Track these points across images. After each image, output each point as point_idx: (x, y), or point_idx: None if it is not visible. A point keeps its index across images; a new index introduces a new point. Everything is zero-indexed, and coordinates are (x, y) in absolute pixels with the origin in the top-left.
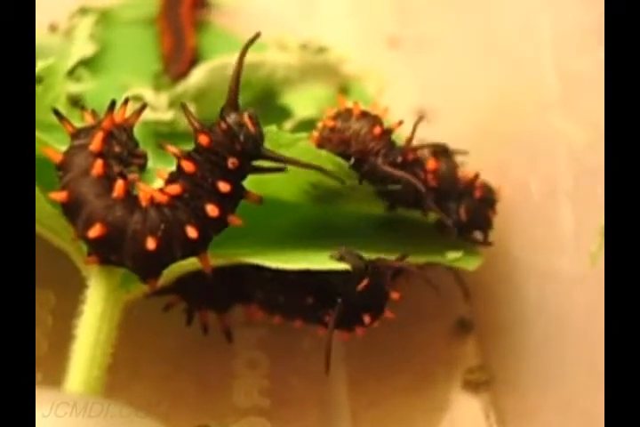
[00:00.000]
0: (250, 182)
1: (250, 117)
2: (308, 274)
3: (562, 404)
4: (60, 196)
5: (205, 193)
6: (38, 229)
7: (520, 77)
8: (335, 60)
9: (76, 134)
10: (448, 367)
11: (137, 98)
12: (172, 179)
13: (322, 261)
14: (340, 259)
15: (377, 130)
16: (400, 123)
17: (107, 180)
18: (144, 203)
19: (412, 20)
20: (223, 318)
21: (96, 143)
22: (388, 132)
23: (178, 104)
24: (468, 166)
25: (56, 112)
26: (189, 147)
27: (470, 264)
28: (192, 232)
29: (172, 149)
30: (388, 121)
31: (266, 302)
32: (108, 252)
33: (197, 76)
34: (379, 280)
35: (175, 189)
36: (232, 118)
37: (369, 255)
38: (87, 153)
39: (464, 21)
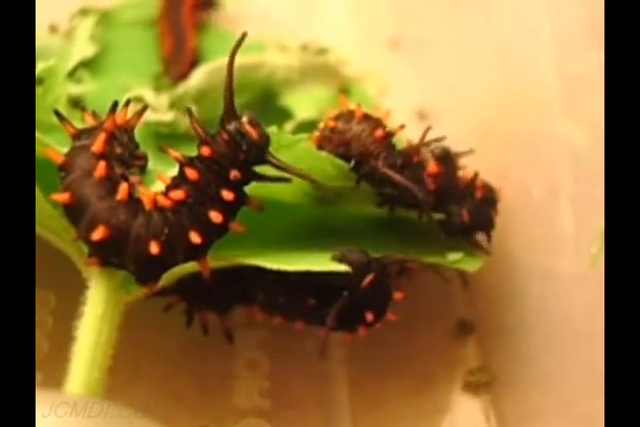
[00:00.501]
0: (251, 184)
1: (250, 123)
2: (308, 275)
3: (562, 406)
4: (62, 197)
5: (209, 200)
6: (39, 230)
7: (521, 78)
8: (335, 62)
9: (78, 135)
10: (449, 369)
11: (137, 99)
12: (175, 184)
13: (322, 263)
14: (342, 258)
15: (378, 133)
16: (402, 126)
17: (109, 181)
18: (147, 206)
19: (412, 21)
20: (224, 318)
21: (98, 144)
22: (389, 136)
23: (178, 105)
24: (469, 167)
25: (57, 113)
26: (190, 148)
27: (470, 265)
28: (195, 237)
29: (174, 154)
30: (389, 123)
31: (267, 303)
32: (110, 254)
33: (198, 77)
34: (383, 277)
35: (179, 194)
36: (232, 127)
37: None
38: (89, 154)
39: (464, 23)
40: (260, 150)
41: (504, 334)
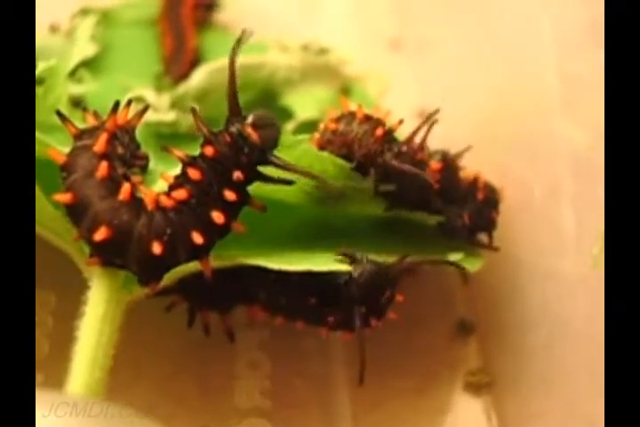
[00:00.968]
0: (253, 184)
1: (254, 125)
2: (310, 275)
3: (564, 407)
4: (64, 197)
5: (211, 200)
6: (40, 230)
7: (521, 79)
8: (336, 62)
9: (79, 135)
10: (450, 369)
11: (138, 99)
12: (177, 184)
13: (324, 263)
14: (353, 261)
15: (379, 131)
16: (400, 122)
17: (111, 182)
18: (149, 206)
19: (413, 21)
20: (225, 318)
21: (100, 144)
22: (389, 133)
23: (179, 105)
24: (469, 168)
25: (59, 113)
26: (191, 148)
27: (471, 265)
28: (198, 238)
29: (177, 153)
30: (390, 123)
31: (268, 303)
32: (112, 255)
33: (198, 77)
34: (383, 279)
35: (182, 194)
36: (235, 130)
37: (372, 257)
38: (91, 154)
39: (465, 23)
40: (261, 153)
41: (505, 335)
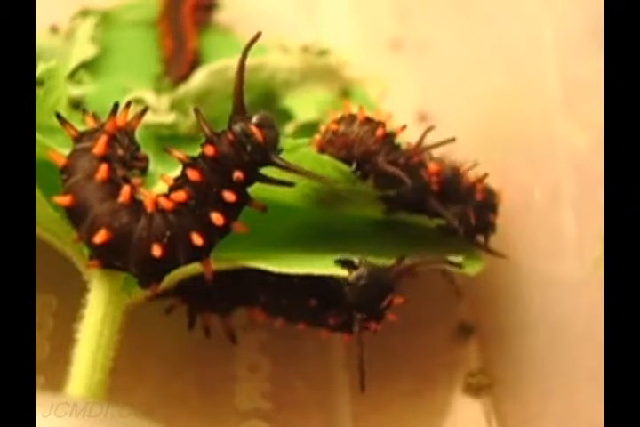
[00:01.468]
0: (252, 186)
1: (258, 124)
2: (310, 277)
3: (564, 409)
4: (64, 200)
5: (211, 201)
6: (40, 232)
7: (522, 81)
8: (336, 64)
9: (79, 138)
10: (449, 371)
11: (138, 100)
12: (176, 185)
13: (324, 266)
14: (351, 267)
15: (379, 132)
16: (403, 127)
17: (111, 184)
18: (149, 209)
19: (413, 23)
20: (226, 320)
21: (100, 147)
22: (390, 135)
23: (179, 107)
24: (470, 171)
25: (58, 116)
26: (190, 150)
27: (471, 269)
28: (197, 239)
29: (177, 154)
30: (391, 125)
31: (269, 305)
32: (112, 257)
33: (198, 78)
34: (384, 287)
35: (181, 196)
36: (239, 128)
37: (371, 259)
38: (91, 156)
39: (465, 25)
40: (264, 153)
41: (505, 337)
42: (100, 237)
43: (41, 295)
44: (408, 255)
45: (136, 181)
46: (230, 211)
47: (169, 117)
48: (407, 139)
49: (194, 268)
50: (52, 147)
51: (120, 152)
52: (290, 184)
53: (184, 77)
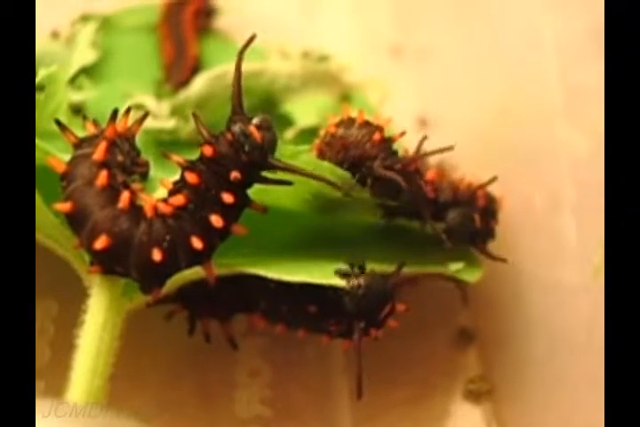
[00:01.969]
0: (252, 192)
1: (257, 126)
2: (311, 284)
3: (564, 416)
4: (64, 206)
5: (209, 204)
6: (40, 238)
7: (522, 87)
8: (337, 69)
9: (79, 144)
10: (449, 378)
11: (138, 106)
12: (175, 189)
13: (324, 274)
14: (350, 276)
15: (376, 136)
16: (402, 133)
17: (111, 190)
18: (149, 213)
19: (414, 28)
20: (226, 326)
21: (99, 153)
22: (387, 140)
23: (179, 112)
24: (470, 176)
25: (58, 122)
26: (191, 155)
27: (471, 276)
28: (197, 243)
29: (176, 158)
30: (390, 130)
31: (269, 312)
32: (113, 263)
33: (199, 83)
34: (383, 296)
35: (179, 200)
36: (238, 128)
37: (371, 266)
38: (91, 163)
39: (466, 30)
40: (262, 153)
41: (505, 343)
42: (100, 242)
43: (42, 300)
44: (408, 261)
45: (136, 186)
46: (230, 213)
47: (169, 123)
48: (407, 144)
49: (195, 273)
50: (53, 152)
51: (120, 158)
52: (288, 183)
53: (184, 83)
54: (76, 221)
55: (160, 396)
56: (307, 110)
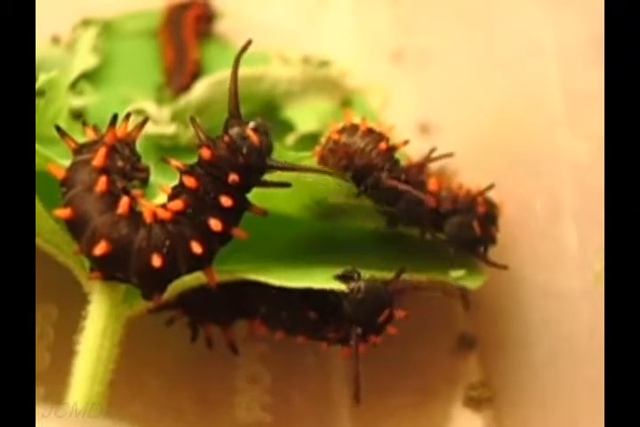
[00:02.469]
0: (253, 197)
1: (254, 129)
2: (310, 290)
3: (565, 422)
4: (64, 213)
5: (208, 207)
6: (41, 243)
7: (524, 93)
8: (337, 74)
9: (79, 150)
10: (450, 384)
11: (139, 111)
12: (174, 194)
13: (324, 280)
14: (350, 281)
15: (382, 146)
16: (406, 142)
17: (110, 196)
18: (148, 219)
19: (414, 33)
20: (227, 332)
21: (99, 159)
22: (392, 149)
23: (180, 117)
24: (471, 182)
25: (58, 128)
26: (192, 161)
27: (473, 283)
28: (197, 247)
29: (174, 162)
30: (391, 136)
31: (269, 318)
32: (113, 269)
33: (200, 89)
34: (382, 302)
35: (177, 204)
36: (235, 131)
37: (372, 273)
38: (90, 169)
39: (467, 36)
40: (260, 156)
41: (506, 350)
42: (100, 249)
43: (42, 306)
44: (409, 268)
45: (137, 192)
46: (229, 216)
47: (170, 128)
48: (408, 149)
49: (195, 279)
50: (53, 158)
51: (120, 163)
52: (287, 185)
53: (185, 88)
54: (75, 227)
55: (160, 402)
56: (307, 116)
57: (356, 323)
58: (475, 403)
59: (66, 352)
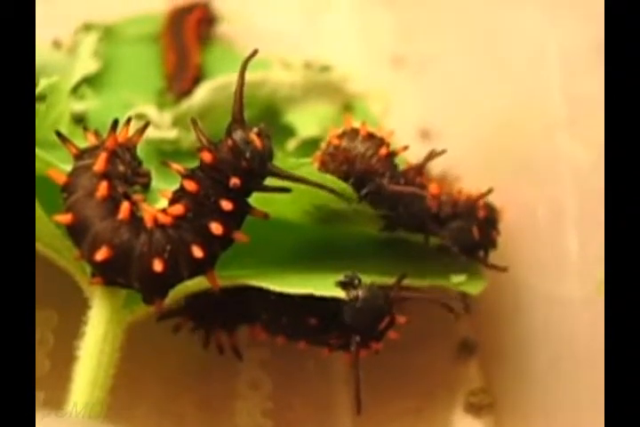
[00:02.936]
0: (253, 203)
1: (258, 134)
2: (311, 296)
3: None
4: (64, 218)
5: (209, 211)
6: (42, 249)
7: (525, 98)
8: (339, 79)
9: (80, 155)
10: (451, 390)
11: (140, 116)
12: (175, 198)
13: (325, 286)
14: (350, 288)
15: (383, 151)
16: (405, 148)
17: (111, 201)
18: (149, 224)
19: (415, 39)
20: (232, 336)
21: (100, 164)
22: (392, 155)
23: (182, 122)
24: (473, 188)
25: (58, 133)
26: (193, 165)
27: (474, 288)
28: (198, 252)
29: (175, 166)
30: (392, 141)
31: (270, 323)
32: (114, 274)
33: (201, 93)
34: (383, 309)
35: (178, 209)
36: (238, 135)
37: (373, 278)
38: (91, 174)
39: (468, 41)
40: (262, 160)
41: (507, 356)
42: (101, 254)
43: (42, 311)
44: (410, 273)
45: (138, 196)
46: (229, 220)
47: (171, 133)
48: (409, 154)
49: (198, 284)
50: (54, 163)
51: (121, 168)
52: (287, 190)
53: (187, 93)
54: (76, 232)
55: (161, 407)
56: (308, 121)
57: (355, 331)
58: (475, 409)
59: (66, 358)
